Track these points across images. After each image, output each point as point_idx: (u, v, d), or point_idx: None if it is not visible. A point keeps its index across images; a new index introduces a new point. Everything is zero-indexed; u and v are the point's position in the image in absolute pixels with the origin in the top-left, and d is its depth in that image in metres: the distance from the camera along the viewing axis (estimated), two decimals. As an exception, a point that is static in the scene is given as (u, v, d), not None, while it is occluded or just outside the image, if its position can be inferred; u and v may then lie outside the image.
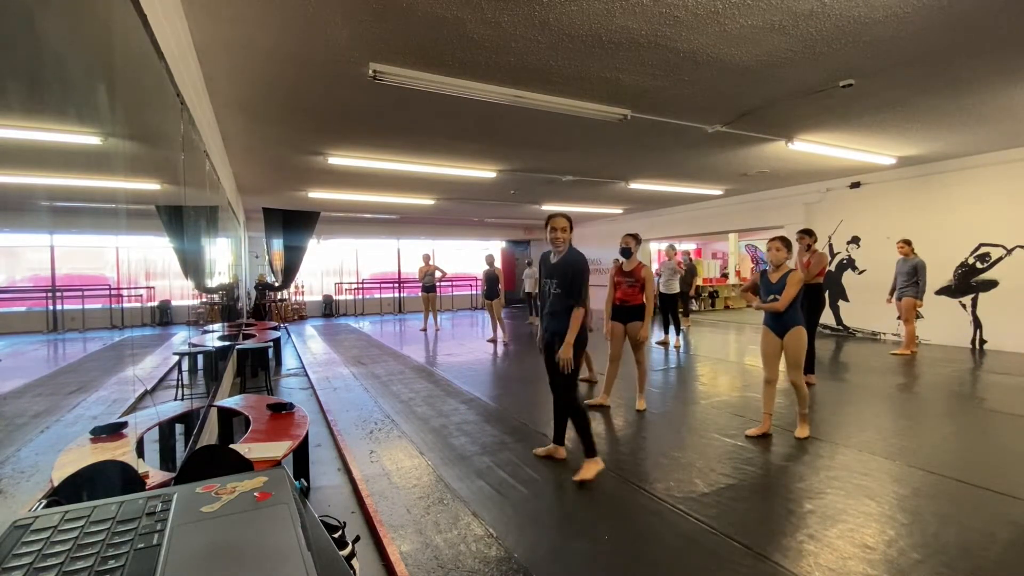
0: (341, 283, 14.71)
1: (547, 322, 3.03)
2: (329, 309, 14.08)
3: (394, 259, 15.43)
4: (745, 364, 6.40)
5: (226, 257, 6.04)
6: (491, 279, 8.61)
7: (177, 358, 2.75)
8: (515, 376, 5.83)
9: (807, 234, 5.06)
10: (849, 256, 8.45)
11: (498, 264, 8.95)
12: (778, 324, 3.55)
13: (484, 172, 7.21)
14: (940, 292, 7.23)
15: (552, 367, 2.99)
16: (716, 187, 9.11)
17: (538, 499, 2.71)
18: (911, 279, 6.55)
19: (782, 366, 3.61)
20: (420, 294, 10.26)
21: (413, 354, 7.51)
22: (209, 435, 2.89)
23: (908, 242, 6.63)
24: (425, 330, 10.22)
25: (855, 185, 8.21)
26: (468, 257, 16.71)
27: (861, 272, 8.29)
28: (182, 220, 2.65)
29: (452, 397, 4.90)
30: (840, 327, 8.57)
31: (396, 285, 15.32)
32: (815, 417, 3.93)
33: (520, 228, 16.24)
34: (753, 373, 5.80)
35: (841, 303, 8.59)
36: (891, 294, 6.82)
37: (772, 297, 3.51)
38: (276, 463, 1.97)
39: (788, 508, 2.56)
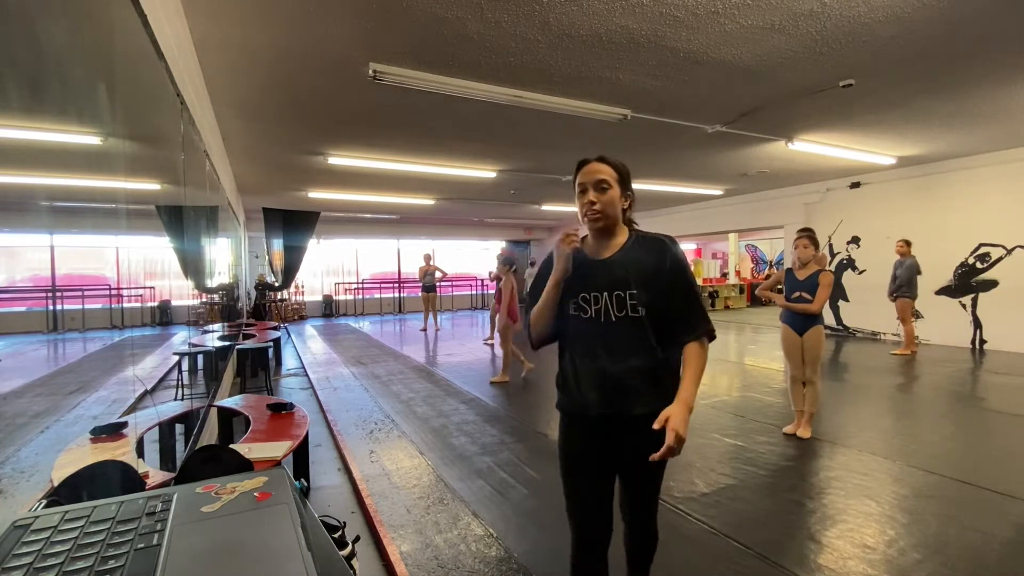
0: (341, 283, 14.71)
1: (599, 374, 1.38)
2: (329, 309, 14.08)
3: (394, 259, 15.43)
4: (745, 364, 6.39)
5: (226, 257, 6.04)
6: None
7: (177, 358, 2.75)
8: (515, 376, 5.83)
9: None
10: (849, 256, 8.45)
11: None
12: (799, 322, 3.52)
13: (484, 172, 7.21)
14: (940, 292, 7.23)
15: (628, 465, 1.44)
16: (716, 187, 9.11)
17: (538, 499, 2.71)
18: (904, 280, 6.61)
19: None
20: (420, 294, 10.26)
21: (413, 354, 7.51)
22: (209, 435, 2.89)
23: (908, 243, 6.66)
24: (425, 330, 10.22)
25: (855, 185, 8.20)
26: (468, 257, 16.71)
27: (861, 272, 8.29)
28: (182, 220, 2.65)
29: (452, 397, 4.90)
30: (840, 327, 8.56)
31: (396, 285, 15.32)
32: (815, 417, 3.93)
33: (520, 228, 16.23)
34: (753, 373, 5.80)
35: (841, 303, 8.59)
36: (892, 293, 6.80)
37: (798, 295, 3.49)
38: (276, 463, 1.98)
39: (788, 508, 2.56)
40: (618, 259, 1.42)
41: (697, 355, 1.35)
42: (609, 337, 1.38)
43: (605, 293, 1.39)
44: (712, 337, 1.38)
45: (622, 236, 1.46)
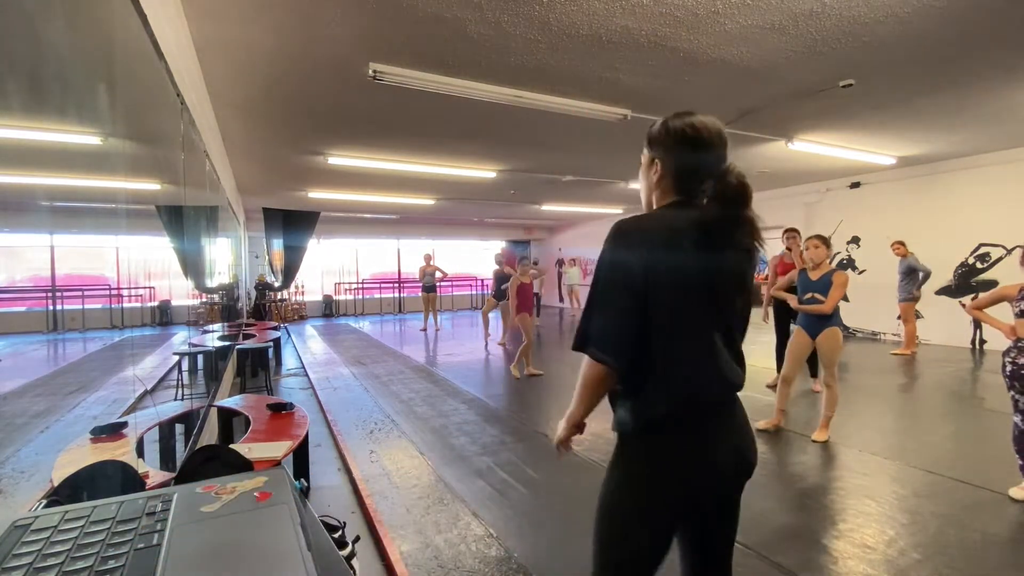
0: (341, 283, 14.70)
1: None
2: (329, 309, 14.07)
3: (394, 259, 15.43)
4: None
5: (226, 257, 6.04)
6: (501, 279, 7.68)
7: (177, 358, 2.76)
8: (516, 376, 5.82)
9: (797, 232, 4.85)
10: (849, 256, 8.45)
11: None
12: (812, 325, 3.51)
13: (484, 172, 7.21)
14: (940, 292, 7.23)
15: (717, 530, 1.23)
16: (716, 187, 9.10)
17: (538, 499, 2.71)
18: (906, 279, 6.60)
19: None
20: (420, 294, 10.26)
21: (413, 354, 7.51)
22: (209, 435, 2.89)
23: (902, 243, 6.69)
24: (425, 330, 10.21)
25: (855, 185, 8.20)
26: (469, 257, 16.71)
27: (861, 272, 8.28)
28: (182, 220, 2.65)
29: (452, 397, 4.90)
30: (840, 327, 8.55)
31: (396, 285, 15.31)
32: (814, 417, 3.93)
33: (520, 228, 16.23)
34: (750, 373, 5.80)
35: (841, 303, 8.57)
36: (914, 291, 6.78)
37: (811, 296, 3.48)
38: (276, 463, 1.98)
39: (788, 508, 2.56)
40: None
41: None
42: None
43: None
44: (580, 350, 1.10)
45: None
